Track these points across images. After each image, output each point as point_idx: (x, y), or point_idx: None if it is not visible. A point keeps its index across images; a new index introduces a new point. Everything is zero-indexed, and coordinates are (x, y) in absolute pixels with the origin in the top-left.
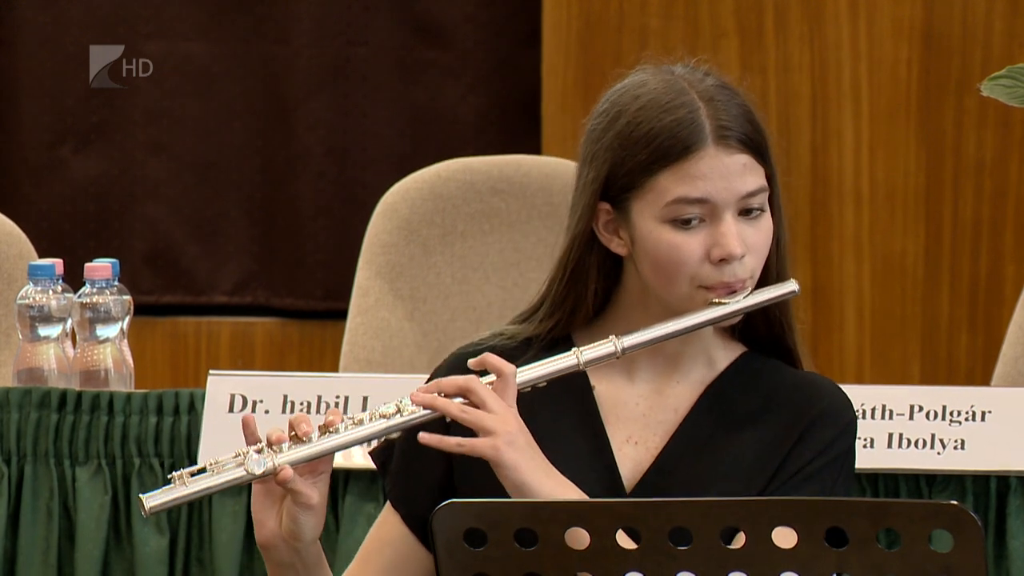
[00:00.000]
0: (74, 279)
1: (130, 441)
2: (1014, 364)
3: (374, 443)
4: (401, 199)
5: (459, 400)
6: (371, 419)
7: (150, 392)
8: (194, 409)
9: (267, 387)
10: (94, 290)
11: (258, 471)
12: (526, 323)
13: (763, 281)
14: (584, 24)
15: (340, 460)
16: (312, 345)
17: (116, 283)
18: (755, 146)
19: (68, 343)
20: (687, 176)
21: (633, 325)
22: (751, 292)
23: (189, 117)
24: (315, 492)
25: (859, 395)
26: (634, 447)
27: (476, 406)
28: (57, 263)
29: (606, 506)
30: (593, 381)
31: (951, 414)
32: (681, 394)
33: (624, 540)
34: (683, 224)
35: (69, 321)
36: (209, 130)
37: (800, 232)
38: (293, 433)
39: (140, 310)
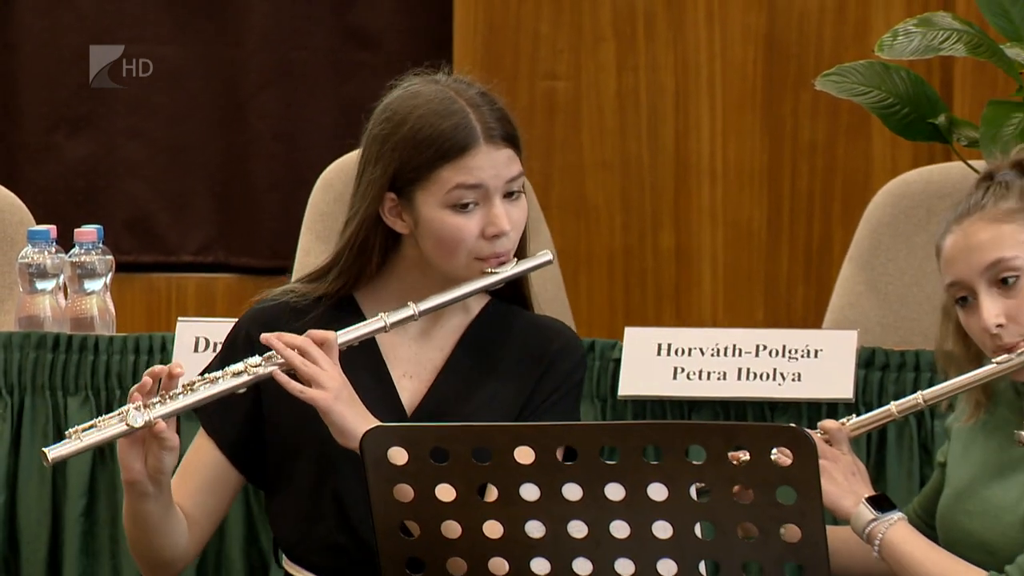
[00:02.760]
0: (66, 242)
1: (112, 376)
2: (840, 312)
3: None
4: (336, 176)
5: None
6: (224, 377)
7: (129, 335)
8: (165, 349)
9: (226, 331)
10: (82, 251)
11: (137, 424)
12: (316, 283)
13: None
14: (488, 30)
15: None
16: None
17: (101, 245)
18: (513, 141)
19: (61, 295)
20: (465, 168)
21: (410, 286)
22: (518, 262)
23: (162, 108)
24: (175, 435)
25: (714, 336)
26: (410, 380)
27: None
28: (52, 229)
29: (504, 428)
30: None
31: (790, 352)
32: (444, 336)
33: (522, 456)
34: (462, 208)
35: (61, 277)
36: (178, 119)
37: (666, 204)
38: (165, 393)
39: (121, 268)
